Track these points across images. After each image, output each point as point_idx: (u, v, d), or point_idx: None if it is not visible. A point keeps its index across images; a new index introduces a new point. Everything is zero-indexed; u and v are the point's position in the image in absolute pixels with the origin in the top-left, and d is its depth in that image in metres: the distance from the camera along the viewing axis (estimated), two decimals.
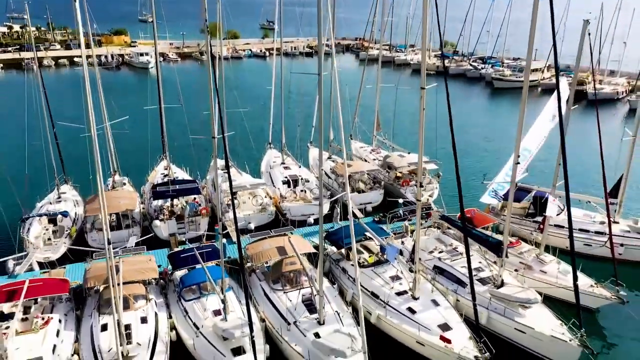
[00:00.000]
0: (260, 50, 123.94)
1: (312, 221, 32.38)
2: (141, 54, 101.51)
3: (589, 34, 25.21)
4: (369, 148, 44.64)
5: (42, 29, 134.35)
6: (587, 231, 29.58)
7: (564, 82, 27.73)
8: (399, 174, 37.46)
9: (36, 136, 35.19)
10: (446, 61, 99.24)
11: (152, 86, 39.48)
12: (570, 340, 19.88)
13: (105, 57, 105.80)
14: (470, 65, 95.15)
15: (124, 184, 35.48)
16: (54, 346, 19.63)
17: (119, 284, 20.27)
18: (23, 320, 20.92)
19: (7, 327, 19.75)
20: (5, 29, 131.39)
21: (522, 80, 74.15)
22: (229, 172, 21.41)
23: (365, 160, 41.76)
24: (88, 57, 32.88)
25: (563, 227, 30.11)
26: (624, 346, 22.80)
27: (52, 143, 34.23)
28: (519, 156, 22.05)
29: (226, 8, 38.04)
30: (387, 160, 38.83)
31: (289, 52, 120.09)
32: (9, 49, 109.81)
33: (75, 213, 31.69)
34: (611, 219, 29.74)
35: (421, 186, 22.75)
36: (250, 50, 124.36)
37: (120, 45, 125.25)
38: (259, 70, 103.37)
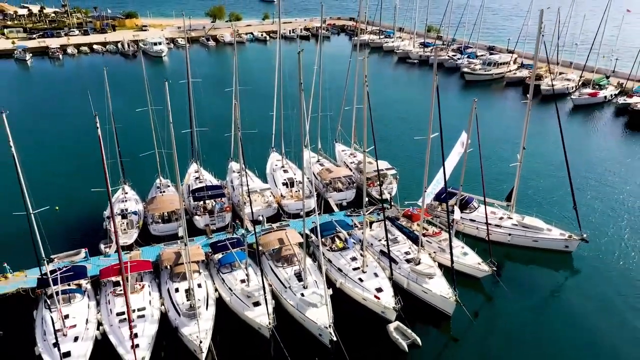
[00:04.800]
0: (262, 34, 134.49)
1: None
2: (155, 44, 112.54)
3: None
4: (349, 151, 57.94)
5: (58, 11, 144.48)
6: (489, 224, 43.27)
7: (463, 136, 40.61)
8: (368, 177, 50.91)
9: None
10: (427, 50, 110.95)
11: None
12: (449, 298, 33.95)
13: (122, 44, 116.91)
14: (448, 56, 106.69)
15: (168, 186, 48.95)
16: (150, 301, 33.69)
17: (187, 263, 34.15)
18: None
19: (120, 290, 33.77)
20: (25, 11, 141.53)
21: (491, 74, 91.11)
22: (246, 178, 34.71)
23: (345, 163, 55.22)
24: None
25: (475, 220, 44.07)
26: (492, 303, 36.87)
27: (115, 154, 47.39)
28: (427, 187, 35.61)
29: None
30: (359, 166, 52.31)
31: (288, 36, 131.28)
32: (34, 35, 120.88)
33: (138, 210, 45.33)
34: (504, 216, 43.68)
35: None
36: (252, 34, 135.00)
37: (132, 28, 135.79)
38: (261, 57, 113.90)
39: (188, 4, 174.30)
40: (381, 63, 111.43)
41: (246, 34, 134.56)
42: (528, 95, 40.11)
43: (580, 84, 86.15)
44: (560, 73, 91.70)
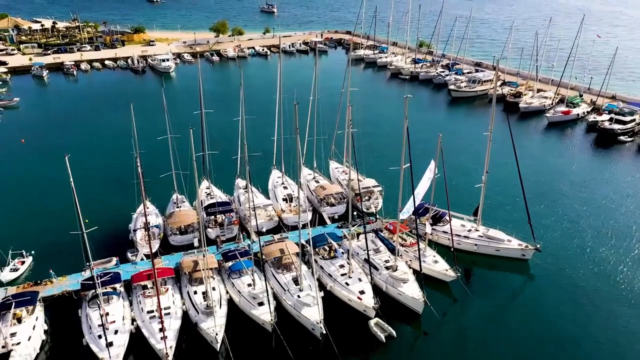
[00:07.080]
0: (263, 49, 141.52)
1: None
2: (163, 60, 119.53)
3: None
4: (341, 169, 65.31)
5: (70, 25, 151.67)
6: (459, 235, 50.55)
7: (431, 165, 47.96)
8: (357, 192, 58.29)
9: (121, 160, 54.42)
10: (418, 67, 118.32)
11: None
12: (419, 299, 41.31)
13: (132, 60, 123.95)
14: (437, 72, 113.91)
15: (183, 201, 56.28)
16: (173, 301, 41.04)
17: (203, 269, 41.49)
18: (151, 288, 42.26)
19: (149, 292, 41.12)
20: (38, 26, 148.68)
21: (475, 91, 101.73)
22: (251, 194, 42.09)
23: (337, 180, 62.63)
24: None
25: (447, 232, 51.34)
26: (457, 303, 44.15)
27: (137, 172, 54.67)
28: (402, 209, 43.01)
29: None
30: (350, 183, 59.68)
31: (287, 50, 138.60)
32: (48, 52, 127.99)
33: (159, 223, 52.64)
34: (472, 228, 50.96)
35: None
36: (253, 48, 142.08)
37: (140, 42, 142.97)
38: (263, 73, 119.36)
39: (191, 17, 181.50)
40: (375, 78, 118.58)
41: (248, 48, 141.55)
42: (489, 128, 47.32)
43: (556, 101, 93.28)
44: (539, 90, 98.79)
